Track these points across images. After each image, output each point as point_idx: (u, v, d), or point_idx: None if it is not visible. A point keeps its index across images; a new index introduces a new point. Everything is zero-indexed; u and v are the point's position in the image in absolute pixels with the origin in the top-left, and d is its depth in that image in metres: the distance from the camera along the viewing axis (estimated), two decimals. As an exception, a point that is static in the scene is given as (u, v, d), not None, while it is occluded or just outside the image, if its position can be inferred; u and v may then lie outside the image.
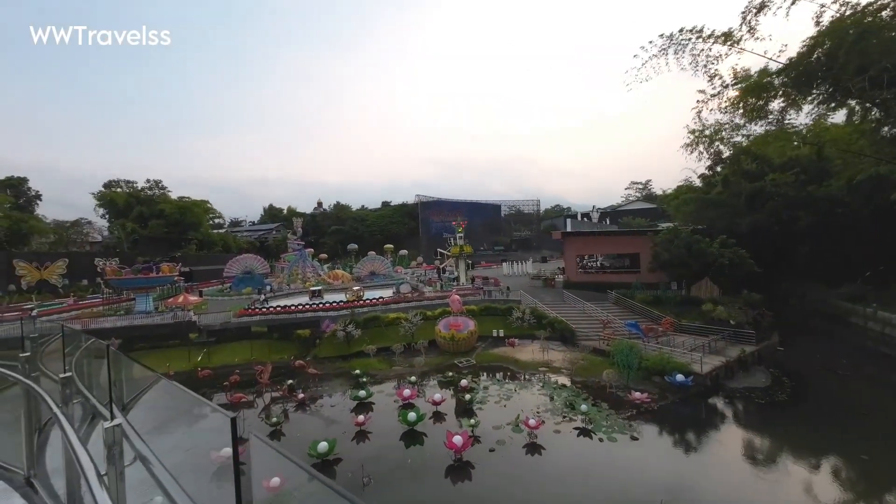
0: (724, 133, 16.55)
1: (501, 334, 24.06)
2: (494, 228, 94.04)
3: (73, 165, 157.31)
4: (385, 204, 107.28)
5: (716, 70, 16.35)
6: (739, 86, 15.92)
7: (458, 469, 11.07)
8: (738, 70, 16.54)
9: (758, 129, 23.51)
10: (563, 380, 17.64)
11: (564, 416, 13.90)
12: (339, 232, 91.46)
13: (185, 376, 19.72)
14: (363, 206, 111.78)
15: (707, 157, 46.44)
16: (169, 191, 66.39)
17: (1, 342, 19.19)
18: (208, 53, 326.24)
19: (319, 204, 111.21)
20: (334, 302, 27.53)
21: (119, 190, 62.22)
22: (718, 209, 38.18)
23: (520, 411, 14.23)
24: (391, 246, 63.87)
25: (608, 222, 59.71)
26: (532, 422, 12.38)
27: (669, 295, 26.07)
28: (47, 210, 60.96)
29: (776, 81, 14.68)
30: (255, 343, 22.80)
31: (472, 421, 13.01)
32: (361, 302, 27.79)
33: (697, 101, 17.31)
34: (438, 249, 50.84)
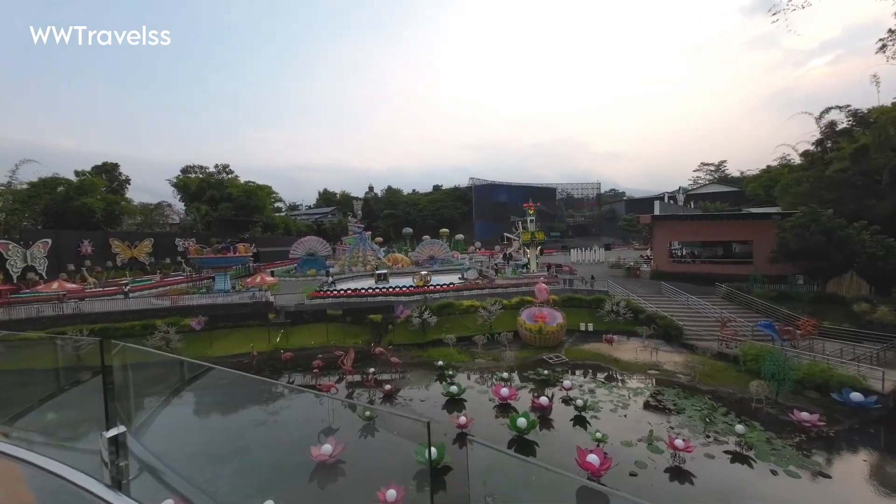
0: None
1: (590, 328, 21.57)
2: (549, 214, 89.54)
3: (153, 155, 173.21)
4: (436, 188, 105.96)
5: None
6: None
7: (594, 494, 9.14)
8: None
9: None
10: (684, 387, 14.95)
11: (709, 436, 11.39)
12: (391, 216, 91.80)
13: (266, 357, 19.60)
14: (414, 190, 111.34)
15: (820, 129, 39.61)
16: (237, 175, 69.52)
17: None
18: (256, 47, 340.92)
19: (371, 188, 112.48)
20: (405, 286, 26.44)
21: (193, 175, 66.11)
22: (837, 190, 32.10)
23: (649, 425, 11.94)
24: (446, 230, 62.35)
25: (693, 206, 53.46)
26: (679, 442, 10.06)
27: (800, 291, 21.85)
28: (133, 194, 66.47)
29: None
30: (329, 326, 22.29)
31: (599, 434, 10.94)
32: (432, 287, 26.47)
33: (889, 33, 13.07)
34: (505, 234, 48.32)
